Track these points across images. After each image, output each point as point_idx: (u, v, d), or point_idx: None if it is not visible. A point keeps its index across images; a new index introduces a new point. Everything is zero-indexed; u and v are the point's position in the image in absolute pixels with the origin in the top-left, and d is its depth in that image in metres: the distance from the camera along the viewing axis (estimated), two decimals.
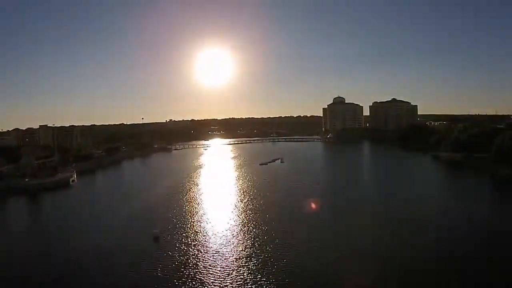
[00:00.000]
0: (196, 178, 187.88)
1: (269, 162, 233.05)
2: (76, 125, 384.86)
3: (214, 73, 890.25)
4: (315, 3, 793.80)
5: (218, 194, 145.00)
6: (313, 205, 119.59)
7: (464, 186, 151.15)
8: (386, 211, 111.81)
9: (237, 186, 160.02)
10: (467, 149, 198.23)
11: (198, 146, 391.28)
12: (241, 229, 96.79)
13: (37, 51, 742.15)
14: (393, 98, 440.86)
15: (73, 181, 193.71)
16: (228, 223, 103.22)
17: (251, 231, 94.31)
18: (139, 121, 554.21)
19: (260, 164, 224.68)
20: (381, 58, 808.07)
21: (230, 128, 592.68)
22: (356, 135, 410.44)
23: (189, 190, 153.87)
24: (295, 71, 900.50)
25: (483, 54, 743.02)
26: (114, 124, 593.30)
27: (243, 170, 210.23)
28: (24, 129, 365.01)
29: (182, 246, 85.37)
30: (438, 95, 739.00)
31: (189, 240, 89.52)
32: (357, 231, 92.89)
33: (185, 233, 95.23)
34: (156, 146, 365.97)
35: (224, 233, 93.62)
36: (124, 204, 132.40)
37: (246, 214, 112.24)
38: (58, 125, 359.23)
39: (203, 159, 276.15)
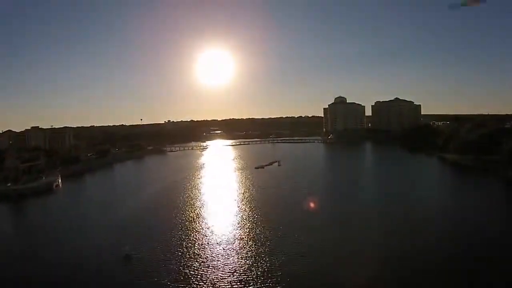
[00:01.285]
0: (183, 184, 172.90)
1: (266, 165, 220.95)
2: (75, 126, 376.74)
3: (215, 73, 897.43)
4: (315, 3, 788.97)
5: (201, 205, 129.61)
6: (304, 215, 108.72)
7: (475, 190, 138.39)
8: (394, 219, 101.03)
9: (225, 195, 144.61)
10: (475, 151, 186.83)
11: (195, 148, 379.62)
12: (225, 246, 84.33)
13: (35, 52, 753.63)
14: (396, 98, 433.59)
15: (56, 186, 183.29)
16: (207, 239, 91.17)
17: (233, 251, 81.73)
18: (138, 122, 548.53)
19: (255, 168, 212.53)
20: (382, 58, 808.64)
21: (230, 129, 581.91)
22: (358, 135, 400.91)
23: (173, 199, 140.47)
24: (296, 71, 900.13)
25: (484, 53, 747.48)
26: (114, 125, 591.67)
27: (236, 174, 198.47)
28: (17, 131, 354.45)
29: (156, 266, 73.41)
30: (439, 94, 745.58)
31: (166, 259, 77.63)
32: (362, 242, 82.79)
33: (163, 250, 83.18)
34: (150, 148, 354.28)
35: (203, 251, 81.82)
36: (100, 214, 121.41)
37: (230, 228, 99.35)
38: (55, 127, 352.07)
39: (197, 162, 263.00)
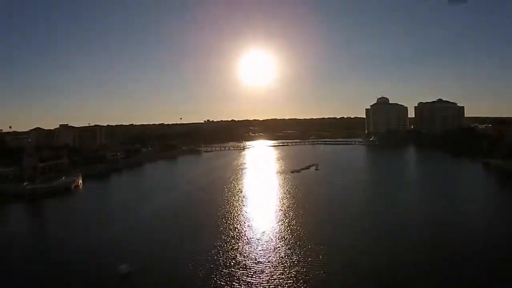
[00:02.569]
0: (207, 189, 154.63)
1: (302, 169, 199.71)
2: (114, 125, 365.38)
3: (257, 74, 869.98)
4: (359, 2, 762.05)
5: (224, 214, 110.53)
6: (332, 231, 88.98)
7: None
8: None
9: (253, 204, 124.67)
10: None
11: (232, 148, 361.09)
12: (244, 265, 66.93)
13: (80, 52, 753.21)
14: (439, 99, 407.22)
15: (76, 186, 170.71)
16: (222, 256, 74.09)
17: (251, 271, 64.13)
18: (177, 121, 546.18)
19: (291, 172, 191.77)
20: (423, 58, 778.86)
21: (271, 129, 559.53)
22: (401, 138, 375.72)
23: (195, 206, 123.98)
24: (338, 71, 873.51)
25: None
26: (153, 124, 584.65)
27: (270, 179, 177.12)
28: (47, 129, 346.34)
29: None
30: (480, 96, 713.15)
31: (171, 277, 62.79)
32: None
33: (168, 266, 68.77)
34: (185, 148, 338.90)
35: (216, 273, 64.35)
36: (108, 222, 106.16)
37: (251, 244, 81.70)
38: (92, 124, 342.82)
39: (229, 164, 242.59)
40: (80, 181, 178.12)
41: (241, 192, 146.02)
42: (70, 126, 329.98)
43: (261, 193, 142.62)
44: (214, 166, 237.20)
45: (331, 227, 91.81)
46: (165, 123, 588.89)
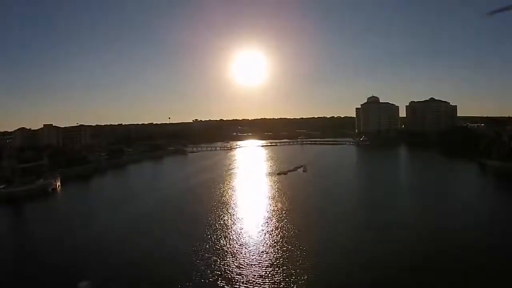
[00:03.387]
0: (186, 193, 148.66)
1: (290, 170, 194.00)
2: (103, 124, 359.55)
3: (248, 73, 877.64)
4: (349, 3, 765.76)
5: (201, 222, 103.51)
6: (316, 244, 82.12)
7: None
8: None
9: (231, 213, 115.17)
10: None
11: (219, 149, 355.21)
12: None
13: (69, 51, 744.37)
14: (431, 98, 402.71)
15: (53, 189, 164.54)
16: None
17: None
18: (167, 120, 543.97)
19: (278, 174, 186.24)
20: (413, 57, 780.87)
21: (261, 128, 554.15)
22: (392, 137, 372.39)
23: (173, 212, 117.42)
24: (328, 71, 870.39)
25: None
26: (143, 124, 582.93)
27: (253, 182, 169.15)
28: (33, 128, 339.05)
29: None
30: (472, 95, 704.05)
31: None
32: None
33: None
34: (171, 148, 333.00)
35: None
36: (82, 230, 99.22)
37: (230, 256, 75.91)
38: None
39: (214, 166, 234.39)
40: (59, 184, 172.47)
41: (220, 198, 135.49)
42: (54, 126, 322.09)
43: (241, 199, 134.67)
44: (197, 168, 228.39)
45: (310, 246, 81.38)
46: (154, 122, 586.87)
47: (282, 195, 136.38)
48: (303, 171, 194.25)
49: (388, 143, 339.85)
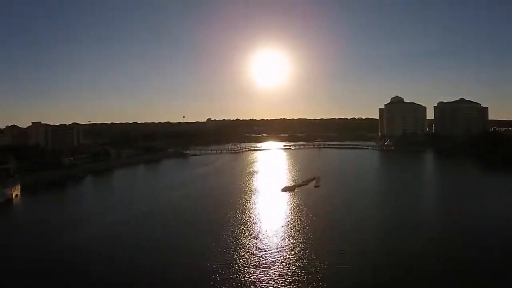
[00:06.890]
0: (155, 214, 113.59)
1: (298, 185, 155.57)
2: (109, 123, 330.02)
3: (269, 74, 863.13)
4: (373, 3, 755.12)
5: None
6: None
7: None
8: None
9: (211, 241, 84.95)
10: None
11: (224, 152, 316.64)
12: None
13: (86, 50, 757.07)
14: (461, 98, 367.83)
15: (8, 199, 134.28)
16: None
17: None
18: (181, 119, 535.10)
19: (282, 190, 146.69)
20: (439, 57, 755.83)
21: (278, 129, 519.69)
22: (419, 142, 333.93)
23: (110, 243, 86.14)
24: (350, 71, 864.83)
25: None
26: (159, 123, 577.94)
27: (248, 203, 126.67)
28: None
29: None
30: (503, 97, 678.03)
31: None
32: None
33: None
34: (171, 151, 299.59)
35: None
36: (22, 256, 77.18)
37: None
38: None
39: (213, 174, 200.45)
40: (17, 193, 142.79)
41: (198, 225, 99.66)
42: (43, 123, 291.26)
43: (225, 230, 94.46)
44: (188, 176, 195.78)
45: None
46: (170, 121, 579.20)
47: (280, 226, 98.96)
48: (315, 185, 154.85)
49: (414, 149, 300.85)
